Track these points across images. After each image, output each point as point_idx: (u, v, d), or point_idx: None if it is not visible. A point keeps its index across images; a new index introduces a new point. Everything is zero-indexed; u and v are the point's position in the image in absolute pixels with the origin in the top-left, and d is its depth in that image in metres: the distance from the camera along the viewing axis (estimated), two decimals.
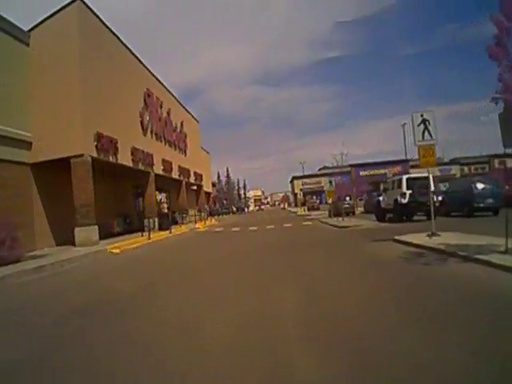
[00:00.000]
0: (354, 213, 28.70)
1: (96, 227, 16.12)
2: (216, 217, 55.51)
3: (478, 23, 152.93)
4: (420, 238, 9.80)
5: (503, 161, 63.70)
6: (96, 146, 16.68)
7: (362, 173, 65.98)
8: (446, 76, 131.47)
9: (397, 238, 10.49)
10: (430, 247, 8.39)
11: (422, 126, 10.54)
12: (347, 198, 28.19)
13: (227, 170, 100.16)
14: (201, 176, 39.50)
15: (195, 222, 29.38)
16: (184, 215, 30.40)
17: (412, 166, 54.42)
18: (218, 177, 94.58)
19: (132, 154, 20.73)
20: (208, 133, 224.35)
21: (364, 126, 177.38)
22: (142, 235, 19.27)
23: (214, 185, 77.86)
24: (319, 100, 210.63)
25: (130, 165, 20.56)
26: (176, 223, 27.99)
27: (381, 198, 20.32)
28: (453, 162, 71.72)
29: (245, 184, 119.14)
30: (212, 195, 68.29)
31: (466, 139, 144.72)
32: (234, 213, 68.38)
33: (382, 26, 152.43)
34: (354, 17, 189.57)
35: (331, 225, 19.80)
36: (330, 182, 25.79)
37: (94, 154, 16.52)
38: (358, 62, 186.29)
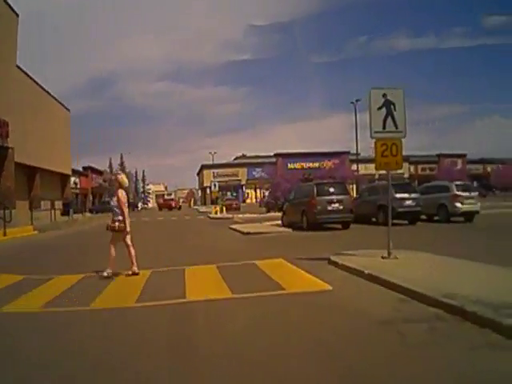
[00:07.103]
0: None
1: None
2: (87, 214, 37.18)
3: (386, 36, 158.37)
4: None
5: (454, 161, 56.10)
6: None
7: (290, 165, 56.37)
8: (357, 85, 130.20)
9: None
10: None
11: (383, 110, 6.81)
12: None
13: (121, 157, 77.69)
14: (6, 125, 21.09)
15: None
16: None
17: (352, 160, 43.93)
18: (110, 165, 73.89)
19: None
20: (115, 124, 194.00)
21: (277, 128, 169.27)
22: None
23: (100, 173, 61.16)
24: (229, 101, 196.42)
25: None
26: None
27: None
28: None
29: (143, 176, 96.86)
30: (92, 184, 53.67)
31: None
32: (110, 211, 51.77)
33: (296, 33, 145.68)
34: (269, 21, 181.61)
35: None
36: None
37: None
38: (270, 67, 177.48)
